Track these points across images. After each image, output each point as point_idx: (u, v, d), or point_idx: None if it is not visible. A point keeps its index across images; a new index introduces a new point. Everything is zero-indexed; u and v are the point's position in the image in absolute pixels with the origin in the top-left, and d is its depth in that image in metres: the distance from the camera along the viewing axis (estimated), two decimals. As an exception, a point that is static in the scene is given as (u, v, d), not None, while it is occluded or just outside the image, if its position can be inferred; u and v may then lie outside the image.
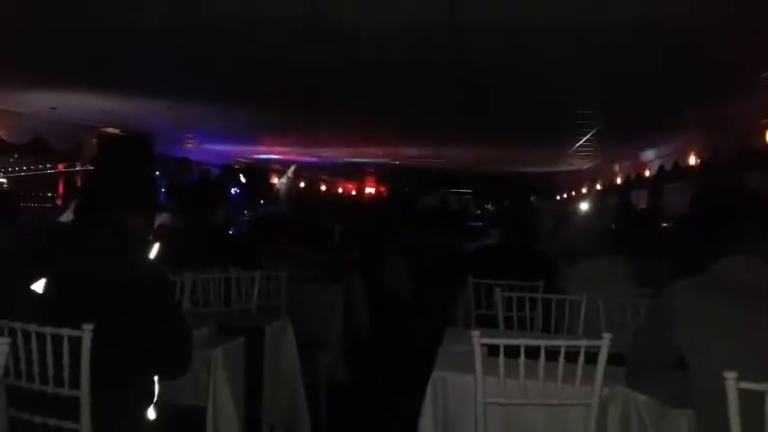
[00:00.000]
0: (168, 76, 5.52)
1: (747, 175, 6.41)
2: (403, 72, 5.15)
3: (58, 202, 9.42)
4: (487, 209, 17.00)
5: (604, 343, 2.25)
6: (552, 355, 2.30)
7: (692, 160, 8.04)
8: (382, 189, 18.19)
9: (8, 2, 3.55)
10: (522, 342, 2.29)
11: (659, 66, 4.67)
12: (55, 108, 6.76)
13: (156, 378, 2.51)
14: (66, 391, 2.26)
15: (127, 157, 2.75)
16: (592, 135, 8.28)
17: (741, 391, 1.81)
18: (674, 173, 8.86)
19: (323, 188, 17.42)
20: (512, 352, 2.30)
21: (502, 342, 2.30)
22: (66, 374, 2.25)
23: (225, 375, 2.84)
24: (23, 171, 9.78)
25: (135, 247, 2.48)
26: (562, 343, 2.28)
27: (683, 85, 5.25)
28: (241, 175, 13.07)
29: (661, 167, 9.29)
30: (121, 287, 2.31)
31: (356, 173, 17.16)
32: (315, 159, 13.31)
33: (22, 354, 2.29)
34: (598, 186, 12.71)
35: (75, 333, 2.20)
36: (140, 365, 2.36)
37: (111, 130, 7.99)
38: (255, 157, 12.72)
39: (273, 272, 4.40)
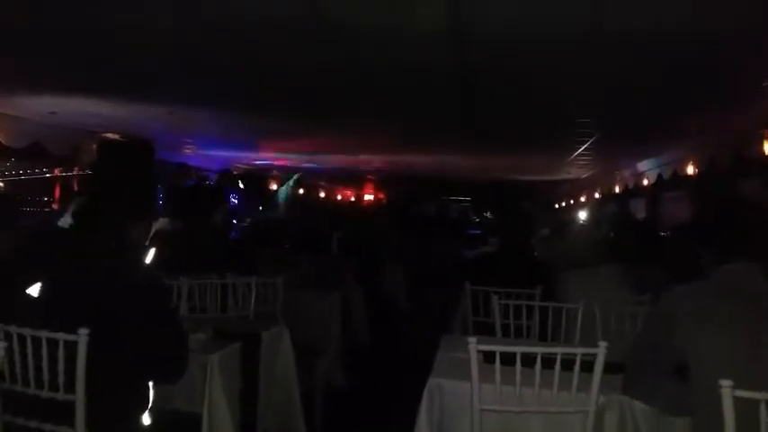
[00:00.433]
0: (168, 80, 5.52)
1: (745, 183, 6.43)
2: (403, 79, 5.16)
3: (54, 206, 9.42)
4: (486, 217, 17.00)
5: (601, 351, 2.25)
6: (549, 362, 2.29)
7: (690, 169, 8.07)
8: (381, 196, 18.20)
9: (8, 4, 3.55)
10: (518, 349, 2.29)
11: (659, 75, 4.68)
12: (54, 112, 6.76)
13: (151, 383, 2.51)
14: (61, 396, 2.26)
15: (126, 163, 2.76)
16: (590, 144, 8.29)
17: (739, 400, 1.81)
18: (672, 182, 8.88)
19: (321, 195, 17.43)
20: (508, 359, 2.30)
21: (498, 349, 2.29)
22: (61, 379, 2.25)
23: (221, 381, 2.83)
24: (20, 175, 9.77)
25: (133, 251, 2.48)
26: (558, 350, 2.28)
27: (682, 95, 5.27)
28: (240, 181, 13.07)
29: (659, 176, 9.32)
30: (118, 291, 2.31)
31: (355, 179, 17.17)
32: (314, 166, 13.32)
33: (17, 358, 2.29)
34: (596, 195, 12.73)
35: (71, 337, 2.20)
36: (136, 370, 2.36)
37: (110, 135, 7.99)
38: (254, 163, 12.72)
39: (270, 278, 4.40)
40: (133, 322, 2.28)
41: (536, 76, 4.99)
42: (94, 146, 7.76)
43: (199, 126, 8.11)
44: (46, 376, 2.27)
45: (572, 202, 14.48)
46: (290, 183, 13.84)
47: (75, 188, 8.95)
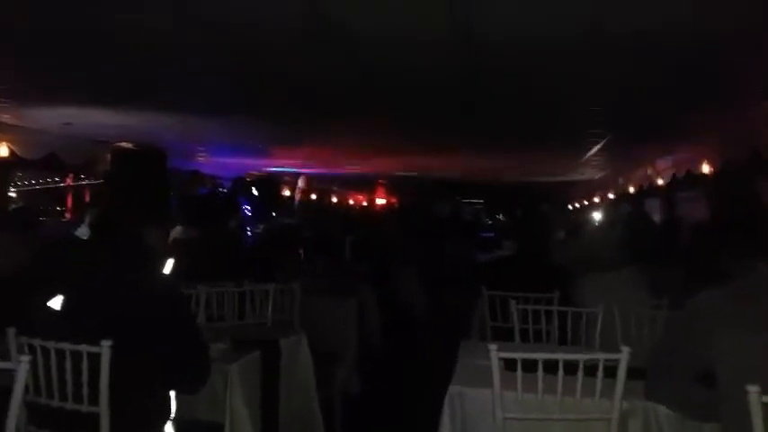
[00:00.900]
0: (179, 89, 5.55)
1: (763, 182, 6.37)
2: (412, 83, 5.16)
3: (68, 215, 9.49)
4: (499, 219, 16.94)
5: (624, 356, 2.24)
6: (570, 368, 2.28)
7: (706, 168, 8.01)
8: (393, 200, 18.18)
9: (21, 14, 3.58)
10: (540, 356, 2.28)
11: (673, 73, 4.65)
12: (69, 123, 6.82)
13: (172, 393, 2.52)
14: (85, 408, 2.27)
15: (140, 171, 2.77)
16: (604, 144, 8.25)
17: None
18: (686, 181, 8.82)
19: (334, 200, 17.44)
20: (529, 366, 2.28)
21: (519, 356, 2.28)
22: (85, 391, 2.26)
23: (241, 390, 2.84)
24: (33, 185, 9.85)
25: (151, 261, 2.49)
26: (580, 357, 2.26)
27: (697, 93, 5.23)
28: (253, 188, 13.10)
29: (673, 176, 9.25)
30: (139, 302, 2.32)
31: (367, 184, 17.17)
32: (326, 171, 13.34)
33: (41, 370, 2.31)
34: (610, 195, 12.65)
35: (93, 349, 2.21)
36: (158, 380, 2.37)
37: (124, 144, 8.05)
38: (267, 169, 12.75)
39: (287, 285, 4.41)
40: (154, 332, 2.29)
41: (541, 77, 4.97)
42: (109, 155, 7.82)
43: (211, 134, 8.15)
44: (70, 388, 2.28)
45: (586, 203, 14.40)
46: (300, 185, 13.86)
47: (87, 198, 9.02)
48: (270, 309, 4.14)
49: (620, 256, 4.17)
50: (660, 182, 9.93)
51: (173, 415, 2.53)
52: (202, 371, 2.49)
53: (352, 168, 12.78)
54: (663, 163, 9.57)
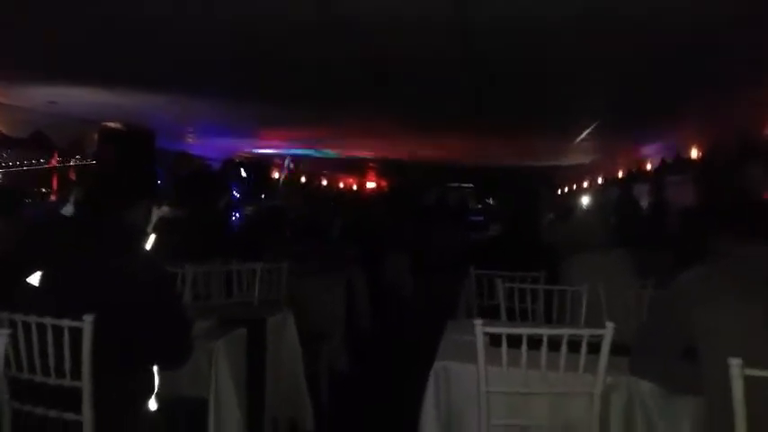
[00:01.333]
0: (168, 67, 5.50)
1: (751, 167, 6.40)
2: (405, 61, 5.13)
3: (53, 197, 9.40)
4: (488, 203, 16.95)
5: (608, 332, 2.24)
6: (555, 344, 2.28)
7: (694, 153, 8.03)
8: (383, 183, 18.15)
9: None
10: (524, 331, 2.28)
11: (664, 59, 4.65)
12: (54, 102, 6.74)
13: (156, 369, 2.51)
14: (67, 383, 2.25)
15: (127, 150, 2.73)
16: (595, 128, 8.25)
17: (749, 378, 1.80)
18: (675, 166, 8.85)
19: (324, 183, 17.39)
20: (514, 342, 2.29)
21: (504, 331, 2.29)
22: (67, 366, 2.24)
23: (227, 366, 2.83)
24: (17, 166, 9.74)
25: (132, 237, 2.47)
26: (565, 332, 2.26)
27: (687, 78, 5.23)
28: (242, 169, 13.03)
29: (662, 161, 9.28)
30: (120, 278, 2.31)
31: (357, 167, 17.13)
32: (316, 154, 13.29)
33: (22, 345, 2.29)
34: (599, 180, 12.68)
35: (75, 324, 2.19)
36: (140, 356, 2.36)
37: (111, 124, 7.97)
38: (257, 151, 12.69)
39: (275, 264, 4.39)
40: (135, 308, 2.28)
41: (533, 61, 4.96)
42: (96, 135, 7.74)
43: (199, 114, 8.09)
44: (52, 363, 2.26)
45: (575, 187, 14.45)
46: (289, 165, 13.78)
47: (73, 178, 8.93)
48: (257, 288, 4.12)
49: (608, 239, 4.18)
50: (649, 166, 9.96)
51: (156, 390, 2.52)
52: (184, 347, 2.48)
53: (342, 151, 12.74)
54: (652, 148, 9.60)
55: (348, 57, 4.82)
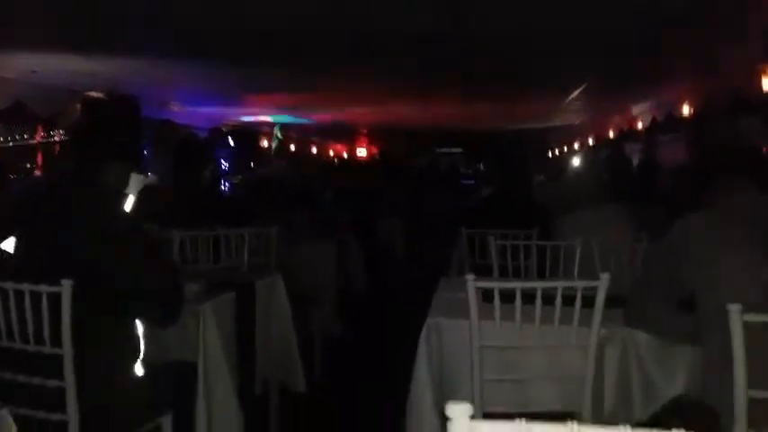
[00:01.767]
0: (149, 30, 5.36)
1: (743, 118, 6.35)
2: (390, 21, 5.01)
3: (37, 172, 9.27)
4: (478, 168, 16.88)
5: (602, 283, 2.19)
6: (549, 299, 2.23)
7: (686, 110, 7.96)
8: (374, 150, 18.03)
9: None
10: (517, 285, 2.23)
11: (654, 15, 4.55)
12: (35, 71, 6.58)
13: (141, 334, 2.45)
14: (48, 350, 2.19)
15: (109, 117, 2.63)
16: (585, 87, 8.16)
17: (750, 324, 1.76)
18: (667, 124, 8.78)
19: (314, 150, 17.24)
20: (507, 297, 2.23)
21: (497, 285, 2.23)
22: (46, 332, 2.18)
23: (215, 330, 2.77)
24: (4, 142, 9.58)
25: (109, 198, 2.39)
26: (559, 284, 2.21)
27: (677, 31, 5.13)
28: (230, 138, 12.86)
29: (653, 119, 9.21)
30: (96, 238, 2.24)
31: (347, 134, 16.99)
32: (304, 120, 13.14)
33: (0, 313, 2.22)
34: (590, 141, 12.61)
35: (54, 289, 2.12)
36: (123, 319, 2.30)
37: (94, 93, 7.81)
38: (244, 119, 12.53)
39: (264, 229, 4.32)
40: (114, 269, 2.21)
41: (521, 20, 4.85)
42: (78, 105, 7.58)
43: (183, 80, 7.94)
44: (31, 329, 2.19)
45: (566, 149, 14.38)
46: (277, 134, 13.63)
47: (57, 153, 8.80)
48: (246, 252, 4.05)
49: (599, 196, 4.12)
50: (640, 125, 9.89)
51: (142, 356, 2.47)
52: (172, 303, 2.41)
53: (331, 117, 12.60)
54: (643, 107, 9.52)
55: (329, 11, 4.68)
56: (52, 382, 2.19)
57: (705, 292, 2.00)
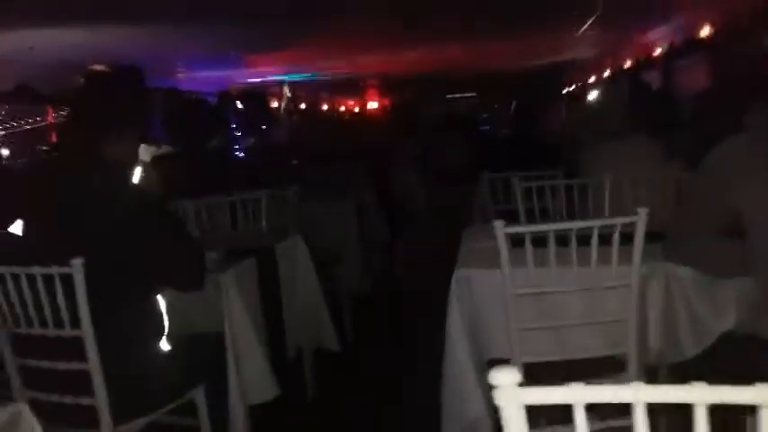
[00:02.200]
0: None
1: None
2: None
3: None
4: (495, 110, 16.55)
5: (641, 218, 2.05)
6: (583, 240, 2.10)
7: (705, 31, 7.64)
8: (385, 102, 17.74)
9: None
10: (550, 227, 2.10)
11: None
12: (32, 48, 6.46)
13: (164, 309, 2.38)
14: (67, 332, 2.12)
15: (111, 86, 2.53)
16: (597, 15, 7.84)
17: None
18: (686, 47, 8.46)
19: (324, 107, 17.01)
20: (539, 241, 2.11)
21: (527, 229, 2.11)
22: (64, 314, 2.11)
23: (239, 298, 2.69)
24: (14, 127, 9.52)
25: (115, 170, 2.30)
26: (595, 223, 2.08)
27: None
28: (238, 102, 12.68)
29: (671, 44, 8.89)
30: (105, 213, 2.15)
31: (357, 87, 16.70)
32: (313, 77, 12.91)
33: (15, 299, 2.15)
34: (607, 73, 12.27)
35: (65, 270, 2.04)
36: (143, 293, 2.22)
37: (97, 66, 7.67)
38: (251, 81, 12.33)
39: (280, 191, 4.21)
40: (126, 243, 2.12)
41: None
42: (82, 79, 7.47)
43: (185, 44, 7.77)
44: (48, 312, 2.12)
45: (582, 84, 14.04)
46: (287, 93, 13.43)
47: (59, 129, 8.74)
48: (263, 216, 3.95)
49: (623, 127, 3.94)
50: (658, 51, 9.55)
51: (167, 331, 2.40)
52: (194, 270, 2.35)
53: (338, 69, 12.36)
54: (659, 32, 9.18)
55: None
56: (76, 365, 2.13)
57: (750, 221, 1.86)
